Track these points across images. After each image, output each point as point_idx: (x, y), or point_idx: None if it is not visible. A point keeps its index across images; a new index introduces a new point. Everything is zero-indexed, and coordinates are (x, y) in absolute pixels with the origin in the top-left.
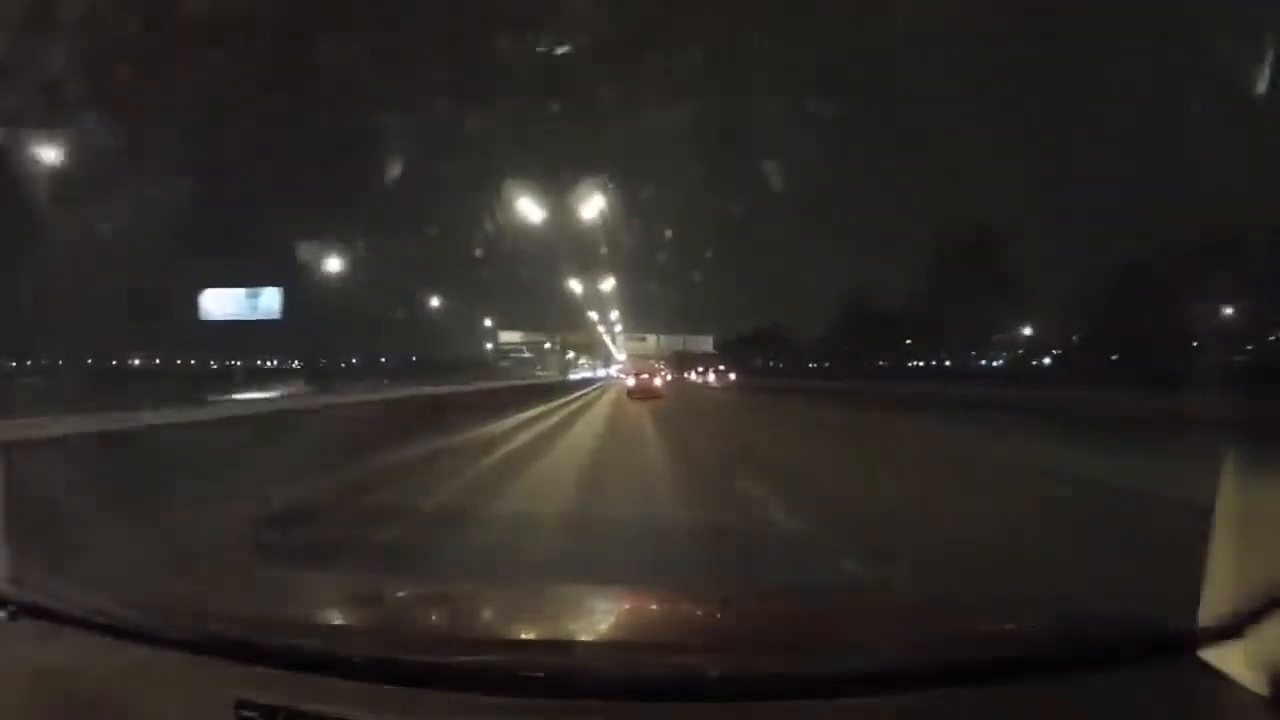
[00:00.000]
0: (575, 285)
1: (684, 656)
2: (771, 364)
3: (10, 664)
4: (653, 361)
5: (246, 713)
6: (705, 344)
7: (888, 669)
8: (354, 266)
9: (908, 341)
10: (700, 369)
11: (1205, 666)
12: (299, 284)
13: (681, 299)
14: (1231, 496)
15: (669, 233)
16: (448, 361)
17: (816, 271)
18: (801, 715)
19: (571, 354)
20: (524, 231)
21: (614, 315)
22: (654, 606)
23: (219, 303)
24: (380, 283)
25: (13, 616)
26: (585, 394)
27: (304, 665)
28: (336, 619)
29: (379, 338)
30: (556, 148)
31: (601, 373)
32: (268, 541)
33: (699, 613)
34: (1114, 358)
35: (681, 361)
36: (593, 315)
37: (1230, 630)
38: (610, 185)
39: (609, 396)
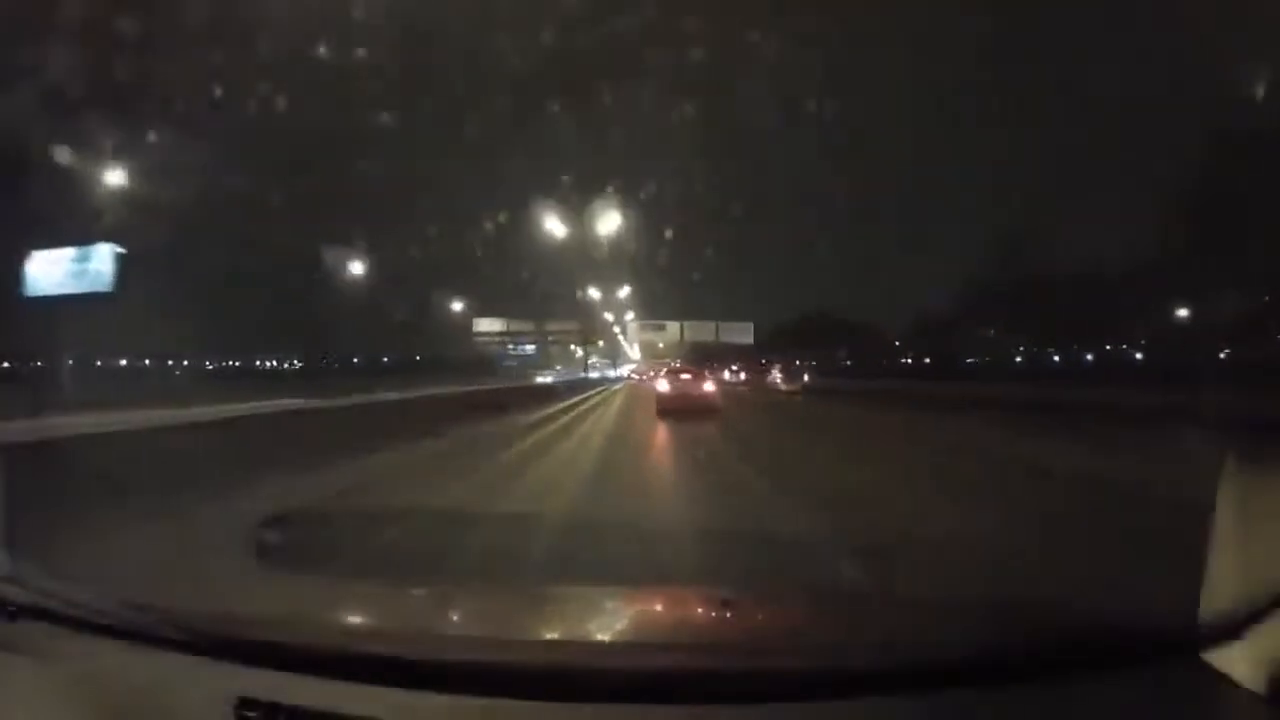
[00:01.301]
0: (579, 277)
1: (684, 657)
2: (847, 362)
3: (10, 665)
4: (669, 362)
5: (247, 712)
6: (744, 334)
7: (888, 669)
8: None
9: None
10: (734, 367)
11: (1205, 667)
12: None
13: (710, 282)
14: (1233, 495)
15: (666, 231)
16: (434, 362)
17: (880, 253)
18: (802, 716)
19: (580, 352)
20: (513, 205)
21: (623, 294)
22: (654, 606)
23: (45, 271)
24: (297, 250)
25: (12, 617)
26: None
27: (304, 665)
28: (336, 619)
29: (287, 335)
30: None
31: (611, 373)
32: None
33: (699, 613)
34: None
35: (707, 357)
36: (594, 294)
37: (1231, 630)
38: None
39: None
